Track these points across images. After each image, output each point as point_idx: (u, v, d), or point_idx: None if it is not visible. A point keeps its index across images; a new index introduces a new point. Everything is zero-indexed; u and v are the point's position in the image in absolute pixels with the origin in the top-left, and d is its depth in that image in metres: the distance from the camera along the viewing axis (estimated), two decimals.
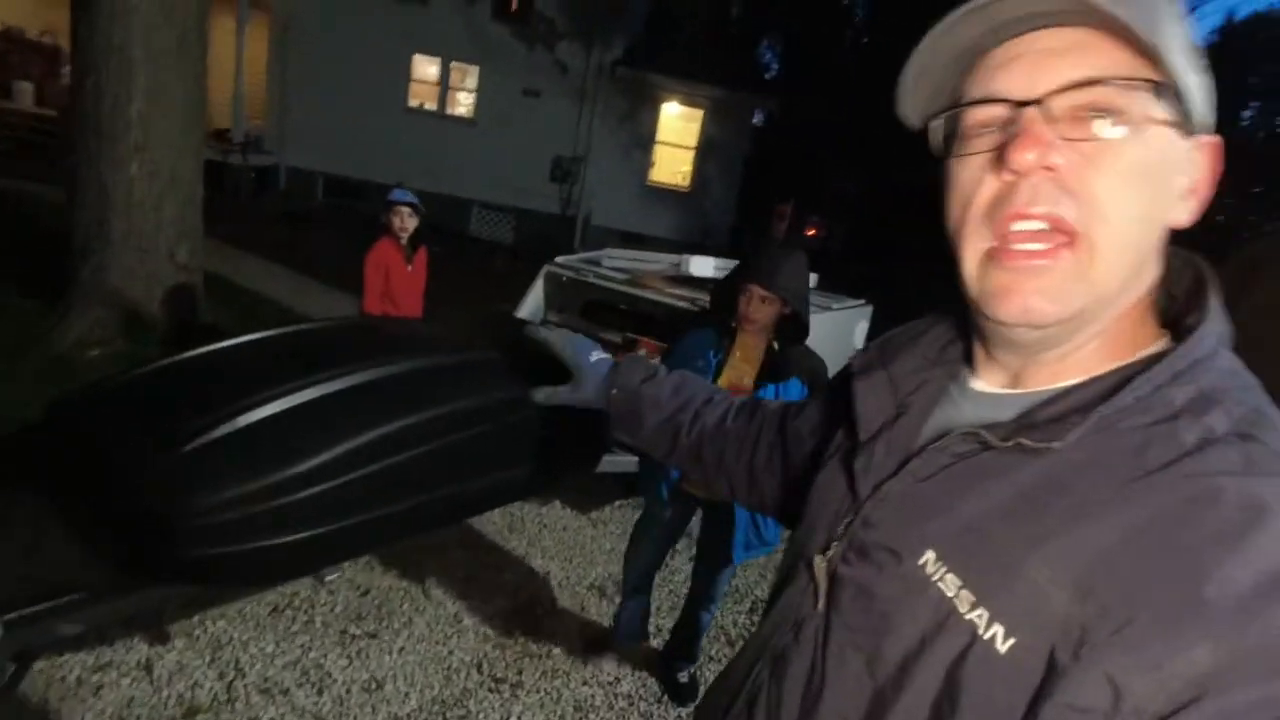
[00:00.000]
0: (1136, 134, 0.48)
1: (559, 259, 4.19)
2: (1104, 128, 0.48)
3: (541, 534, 3.48)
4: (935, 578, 0.51)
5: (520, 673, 2.54)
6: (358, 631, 2.58)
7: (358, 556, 2.49)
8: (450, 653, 2.58)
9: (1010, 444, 0.50)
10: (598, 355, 1.04)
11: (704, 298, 3.56)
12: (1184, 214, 0.51)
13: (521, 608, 2.91)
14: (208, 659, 2.34)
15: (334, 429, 2.06)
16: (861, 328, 4.63)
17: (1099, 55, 0.48)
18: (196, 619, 2.47)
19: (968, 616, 0.48)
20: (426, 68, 12.66)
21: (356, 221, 11.59)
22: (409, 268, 3.64)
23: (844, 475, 0.63)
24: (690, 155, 13.26)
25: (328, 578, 2.23)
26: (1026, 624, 0.46)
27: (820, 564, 0.61)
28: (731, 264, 3.86)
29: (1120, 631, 0.42)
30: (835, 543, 0.61)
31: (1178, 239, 0.54)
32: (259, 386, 2.07)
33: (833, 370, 4.26)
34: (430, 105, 12.81)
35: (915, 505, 0.55)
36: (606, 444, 3.43)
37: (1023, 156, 0.48)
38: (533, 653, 2.66)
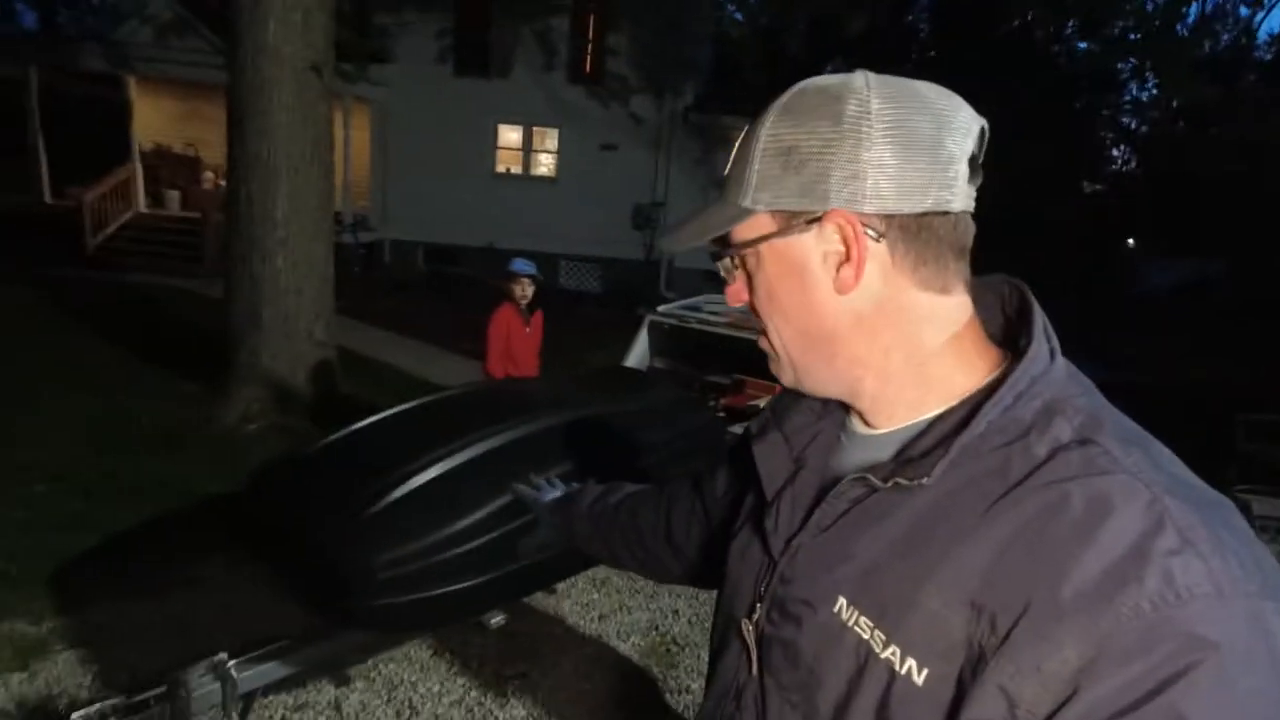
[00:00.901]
0: (755, 260, 0.59)
1: (660, 308, 4.41)
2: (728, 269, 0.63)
3: None
4: (850, 623, 0.53)
5: (665, 709, 2.67)
6: (509, 672, 2.79)
7: (515, 600, 2.71)
8: (594, 691, 2.74)
9: (890, 484, 0.54)
10: (552, 495, 1.12)
11: None
12: (848, 283, 0.56)
13: (656, 646, 3.05)
14: (385, 698, 2.60)
15: (486, 487, 2.32)
16: None
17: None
18: (370, 663, 2.75)
19: (883, 656, 0.51)
20: (510, 134, 13.52)
21: (455, 284, 12.39)
22: (527, 330, 3.95)
23: (758, 537, 0.65)
24: None
25: (492, 621, 2.48)
26: (935, 653, 0.48)
27: (748, 628, 0.63)
28: None
29: (1005, 642, 0.45)
30: (759, 604, 0.62)
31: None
32: (420, 452, 2.37)
33: None
34: (515, 169, 13.63)
35: (822, 555, 0.57)
36: None
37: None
38: (671, 687, 2.79)
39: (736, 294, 0.64)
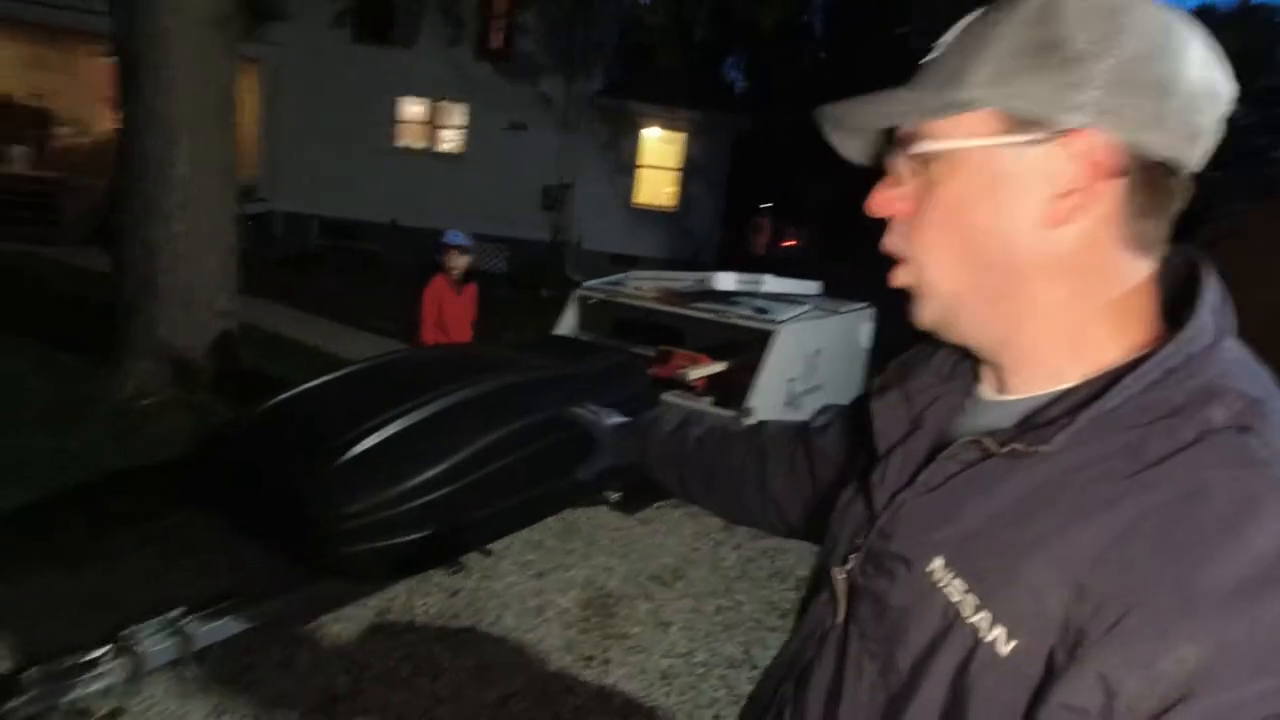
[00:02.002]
0: (950, 164, 0.53)
1: (588, 283, 4.54)
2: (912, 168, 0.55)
3: (597, 534, 3.80)
4: (942, 584, 0.51)
5: (606, 651, 2.86)
6: (455, 627, 2.88)
7: (472, 550, 2.80)
8: (541, 640, 2.88)
9: (1006, 450, 0.51)
10: (614, 420, 1.11)
11: (729, 311, 3.94)
12: (1062, 217, 0.50)
13: (594, 598, 3.23)
14: (335, 656, 2.63)
15: (447, 441, 2.42)
16: (866, 329, 5.03)
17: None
18: (315, 624, 2.76)
19: (971, 620, 0.49)
20: (413, 108, 13.10)
21: (355, 261, 11.92)
22: (460, 300, 3.98)
23: (863, 490, 0.64)
24: (674, 176, 13.77)
25: (452, 571, 2.57)
26: (1027, 626, 0.46)
27: (840, 576, 0.63)
28: (756, 279, 4.26)
29: (1113, 630, 0.42)
30: (853, 555, 0.62)
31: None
32: (382, 408, 2.43)
33: (844, 370, 4.62)
34: (418, 144, 13.22)
35: (925, 514, 0.55)
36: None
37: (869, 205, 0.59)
38: (613, 634, 2.98)
39: (889, 203, 0.58)
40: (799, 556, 3.88)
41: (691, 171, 13.69)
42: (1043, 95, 0.48)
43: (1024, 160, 0.50)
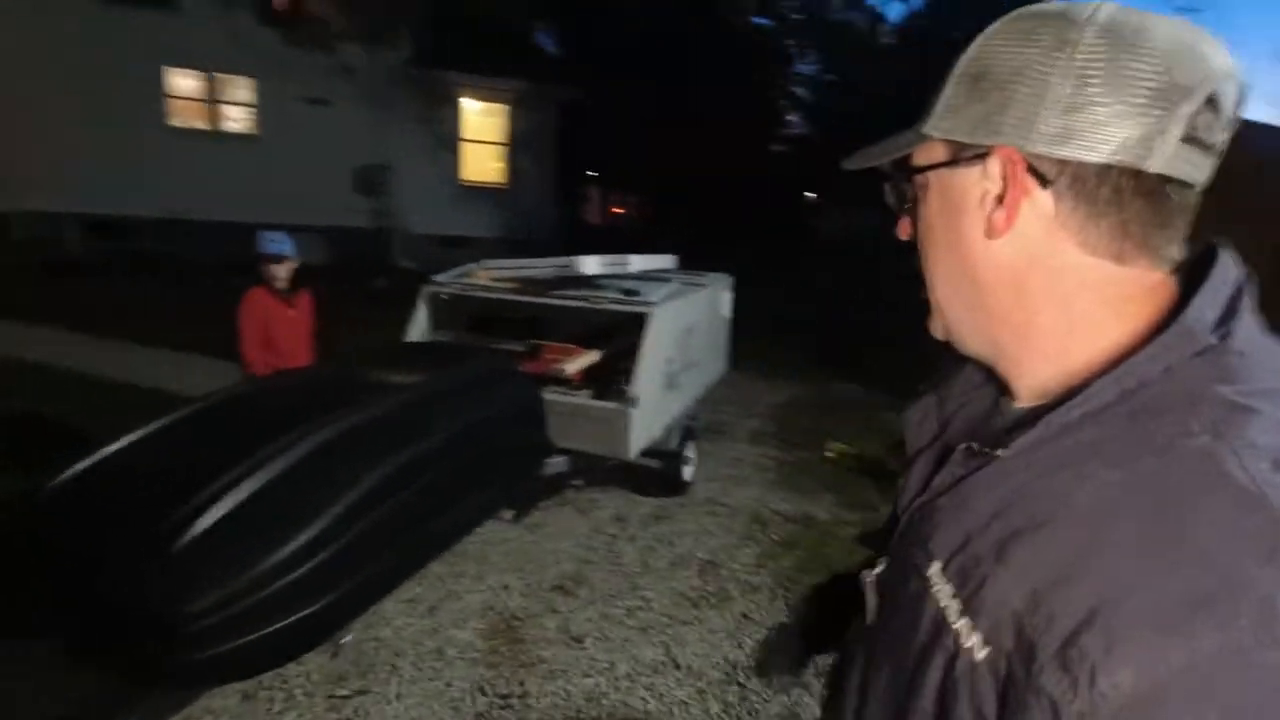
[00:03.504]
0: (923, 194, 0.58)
1: (436, 277, 4.13)
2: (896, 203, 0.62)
3: (486, 552, 3.51)
4: (936, 588, 0.52)
5: (523, 684, 2.63)
6: (346, 692, 2.50)
7: (366, 610, 2.40)
8: (447, 686, 2.59)
9: (980, 453, 0.53)
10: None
11: (599, 296, 3.75)
12: (998, 229, 0.53)
13: (497, 625, 2.97)
14: None
15: (311, 499, 2.03)
16: (726, 299, 5.07)
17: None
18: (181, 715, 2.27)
19: (954, 626, 0.49)
20: (183, 81, 11.33)
21: (131, 263, 10.20)
22: (291, 314, 3.43)
23: (897, 495, 0.66)
24: (500, 151, 13.17)
25: (343, 641, 2.19)
26: (996, 633, 0.46)
27: (869, 580, 0.65)
28: (622, 259, 4.08)
29: (1062, 648, 0.42)
30: (881, 559, 0.65)
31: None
32: (222, 467, 1.97)
33: (712, 344, 4.59)
34: (198, 124, 11.50)
35: (931, 519, 0.56)
36: (550, 449, 3.55)
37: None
38: (525, 662, 2.75)
39: (903, 227, 0.62)
40: (695, 539, 3.86)
41: (519, 145, 13.17)
42: (971, 121, 0.53)
43: (963, 181, 0.55)
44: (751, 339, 6.38)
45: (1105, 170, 0.49)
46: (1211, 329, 0.48)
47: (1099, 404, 0.48)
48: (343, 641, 2.14)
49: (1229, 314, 0.49)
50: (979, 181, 0.53)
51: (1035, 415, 0.51)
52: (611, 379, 3.80)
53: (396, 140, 12.02)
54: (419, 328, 4.06)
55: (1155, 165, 0.48)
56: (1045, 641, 0.43)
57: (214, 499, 1.85)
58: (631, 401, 3.46)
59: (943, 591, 0.52)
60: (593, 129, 15.18)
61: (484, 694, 2.57)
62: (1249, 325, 0.49)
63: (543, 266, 3.90)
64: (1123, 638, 0.40)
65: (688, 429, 4.41)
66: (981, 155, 0.53)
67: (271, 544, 1.85)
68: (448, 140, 12.66)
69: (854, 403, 6.89)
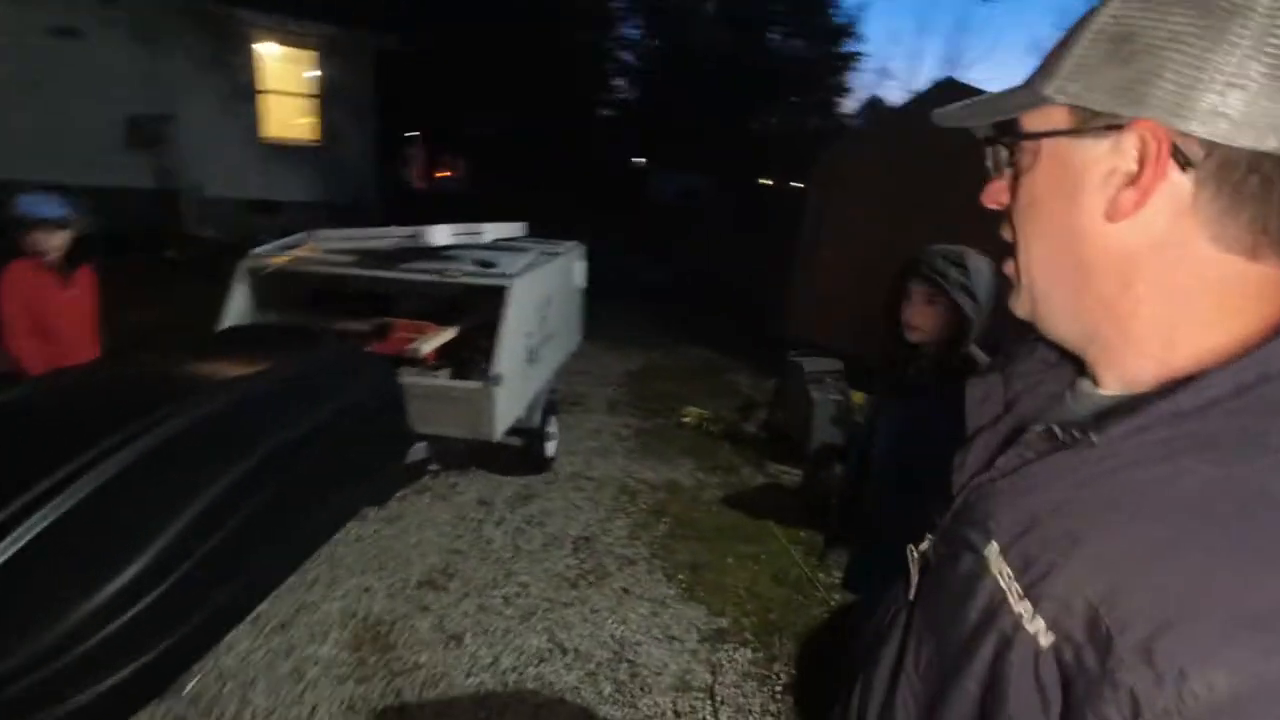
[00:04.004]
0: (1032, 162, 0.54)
1: (257, 250, 3.61)
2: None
3: (340, 553, 3.19)
4: (995, 569, 0.51)
5: (399, 694, 2.42)
6: None
7: (200, 659, 2.04)
8: (312, 710, 2.32)
9: (1066, 439, 0.51)
10: None
11: (452, 269, 3.48)
12: (1123, 211, 0.49)
13: (362, 633, 2.71)
14: None
15: (135, 523, 1.69)
16: (580, 268, 4.94)
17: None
18: None
19: (1016, 609, 0.48)
20: None
21: None
22: (67, 294, 2.81)
23: (950, 472, 0.65)
24: (311, 104, 11.84)
25: (187, 688, 1.87)
26: (1065, 622, 0.45)
27: (913, 555, 0.65)
28: (475, 229, 3.80)
29: (1143, 644, 0.40)
30: (930, 534, 0.63)
31: None
32: (9, 494, 1.58)
33: (567, 315, 4.50)
34: None
35: (994, 499, 0.55)
36: (411, 436, 3.29)
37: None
38: (400, 669, 2.54)
39: (996, 193, 0.58)
40: (565, 516, 3.78)
41: (332, 98, 11.88)
42: (1109, 88, 0.47)
43: (1087, 153, 0.50)
44: (602, 305, 6.35)
45: (1258, 158, 0.44)
46: None
47: (1209, 397, 0.45)
48: (188, 689, 1.82)
49: None
50: (1107, 156, 0.49)
51: (1133, 404, 0.48)
52: (470, 357, 3.56)
53: (181, 87, 10.36)
54: (238, 308, 3.54)
55: None
56: (1126, 635, 0.41)
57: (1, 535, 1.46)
58: (494, 380, 3.27)
59: (1004, 574, 0.50)
60: (421, 83, 14.11)
61: (355, 712, 2.33)
62: None
63: (386, 237, 3.54)
64: (1218, 639, 0.39)
65: (549, 403, 4.29)
66: (1116, 127, 0.48)
67: (82, 591, 1.50)
68: (243, 90, 11.13)
69: (704, 366, 7.12)
